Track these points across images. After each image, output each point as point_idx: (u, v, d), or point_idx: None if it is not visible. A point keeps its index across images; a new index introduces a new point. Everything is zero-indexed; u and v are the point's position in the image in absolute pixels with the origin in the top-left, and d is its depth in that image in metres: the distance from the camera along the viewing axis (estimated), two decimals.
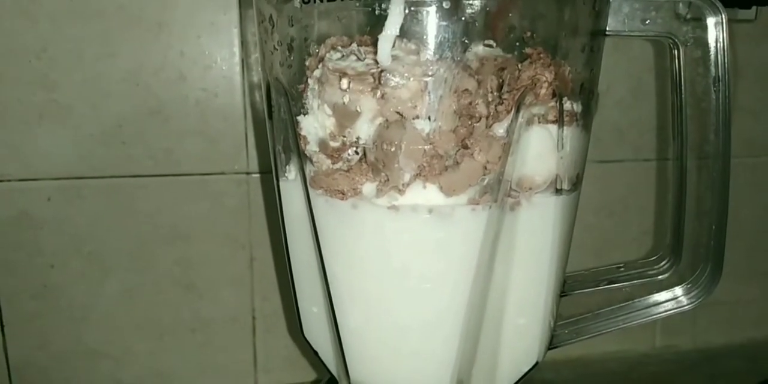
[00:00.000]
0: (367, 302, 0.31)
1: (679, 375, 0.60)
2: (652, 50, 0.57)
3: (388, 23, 0.26)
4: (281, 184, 0.34)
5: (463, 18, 0.26)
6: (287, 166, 0.33)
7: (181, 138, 0.50)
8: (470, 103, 0.27)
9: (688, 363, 0.61)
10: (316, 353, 0.36)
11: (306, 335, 0.37)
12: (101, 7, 0.47)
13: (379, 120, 0.28)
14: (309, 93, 0.29)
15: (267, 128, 0.34)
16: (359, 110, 0.28)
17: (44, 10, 0.46)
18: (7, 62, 0.46)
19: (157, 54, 0.48)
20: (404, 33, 0.27)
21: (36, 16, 0.46)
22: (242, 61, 0.50)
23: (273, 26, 0.30)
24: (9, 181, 0.48)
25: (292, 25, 0.29)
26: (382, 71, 0.27)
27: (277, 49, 0.30)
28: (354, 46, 0.28)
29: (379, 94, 0.27)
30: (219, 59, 0.49)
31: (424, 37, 0.26)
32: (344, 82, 0.27)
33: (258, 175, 0.52)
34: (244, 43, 0.49)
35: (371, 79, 0.27)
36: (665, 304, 0.34)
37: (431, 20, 0.26)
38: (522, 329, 0.33)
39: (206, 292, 0.53)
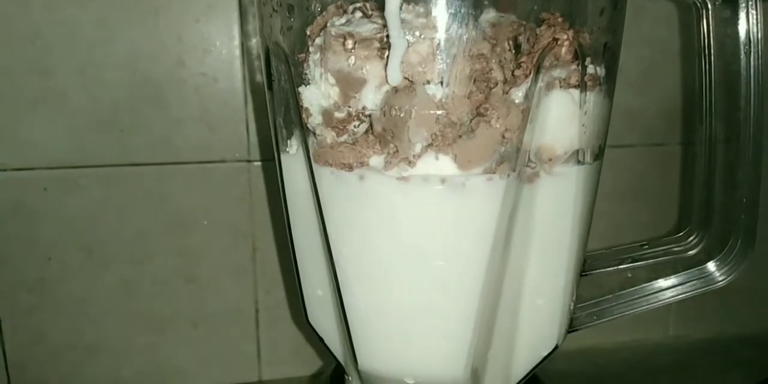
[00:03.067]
0: (376, 282, 0.30)
1: (693, 364, 0.59)
2: (664, 32, 0.55)
3: None
4: (282, 158, 0.32)
5: None
6: (289, 140, 0.32)
7: (180, 125, 0.49)
8: (485, 68, 0.25)
9: (701, 352, 0.61)
10: (321, 340, 0.35)
11: (311, 321, 0.35)
12: None
13: (387, 87, 0.26)
14: (311, 62, 0.28)
15: (267, 100, 0.32)
16: (365, 77, 0.26)
17: None
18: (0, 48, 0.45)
19: (154, 38, 0.47)
20: None
21: (29, 0, 0.45)
22: (242, 44, 0.48)
23: None
24: (3, 170, 0.47)
25: None
26: (388, 34, 0.25)
27: (276, 11, 0.28)
28: (359, 4, 0.26)
29: (386, 58, 0.25)
30: (218, 43, 0.48)
31: None
32: (349, 43, 0.25)
33: (260, 163, 0.50)
34: (243, 26, 0.48)
35: (377, 44, 0.26)
36: (695, 282, 0.32)
37: None
38: (540, 310, 0.31)
39: (208, 283, 0.52)
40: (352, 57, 0.26)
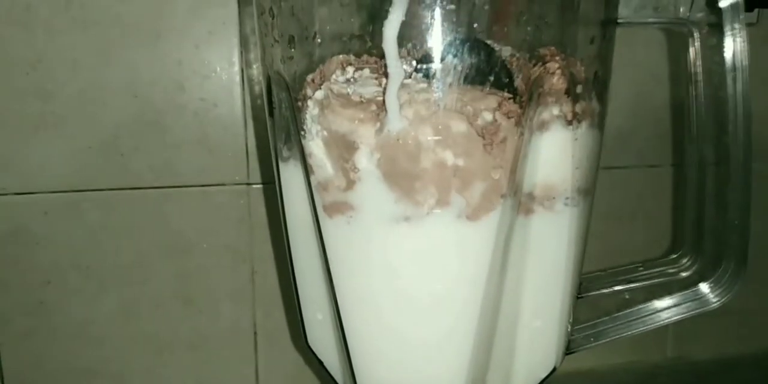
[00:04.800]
0: (376, 306, 0.30)
1: None
2: (655, 55, 0.56)
3: (392, 8, 0.24)
4: (282, 181, 0.33)
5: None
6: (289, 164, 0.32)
7: (180, 149, 0.49)
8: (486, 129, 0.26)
9: (700, 373, 0.60)
10: (321, 363, 0.35)
11: (310, 344, 0.35)
12: (97, 16, 0.46)
13: (378, 155, 0.27)
14: (308, 116, 0.28)
15: (268, 126, 0.33)
16: (357, 145, 0.27)
17: (39, 19, 0.45)
18: (1, 72, 0.46)
19: (154, 64, 0.48)
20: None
21: (31, 26, 0.45)
22: (242, 70, 0.49)
23: (273, 18, 0.29)
24: (4, 194, 0.47)
25: (293, 15, 0.28)
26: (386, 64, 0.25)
27: (277, 41, 0.29)
28: (365, 57, 0.26)
29: (378, 127, 0.26)
30: (218, 69, 0.49)
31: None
32: (349, 70, 0.26)
33: (259, 186, 0.51)
34: (244, 55, 0.49)
35: (374, 107, 0.26)
36: (689, 303, 0.33)
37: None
38: (538, 333, 0.32)
39: (206, 306, 0.52)
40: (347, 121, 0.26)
